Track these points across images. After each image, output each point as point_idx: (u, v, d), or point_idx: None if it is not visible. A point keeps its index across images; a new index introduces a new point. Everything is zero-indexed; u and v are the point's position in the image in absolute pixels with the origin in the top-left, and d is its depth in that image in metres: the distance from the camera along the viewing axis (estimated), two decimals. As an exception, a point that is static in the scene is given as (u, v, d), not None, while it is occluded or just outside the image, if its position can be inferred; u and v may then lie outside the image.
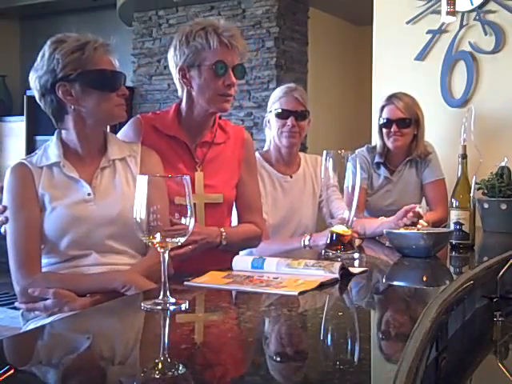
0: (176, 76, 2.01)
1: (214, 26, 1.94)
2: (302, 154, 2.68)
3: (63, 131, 1.77)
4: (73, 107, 1.71)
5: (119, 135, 1.99)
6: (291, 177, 2.58)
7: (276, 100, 2.53)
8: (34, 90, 1.74)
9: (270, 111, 2.55)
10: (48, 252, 1.72)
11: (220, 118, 2.14)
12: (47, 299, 1.64)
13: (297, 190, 2.57)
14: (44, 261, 1.71)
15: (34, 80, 1.73)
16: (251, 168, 2.18)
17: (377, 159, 2.93)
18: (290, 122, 2.47)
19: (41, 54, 1.73)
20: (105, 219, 1.71)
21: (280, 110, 2.50)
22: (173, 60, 2.00)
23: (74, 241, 1.69)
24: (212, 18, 2.06)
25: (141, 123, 2.00)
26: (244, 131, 2.21)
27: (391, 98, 2.86)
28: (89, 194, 1.72)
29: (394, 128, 2.80)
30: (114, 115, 1.74)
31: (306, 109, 2.52)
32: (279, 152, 2.57)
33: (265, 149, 2.64)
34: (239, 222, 2.16)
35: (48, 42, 1.73)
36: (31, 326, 1.69)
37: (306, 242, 2.23)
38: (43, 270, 1.70)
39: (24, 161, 1.75)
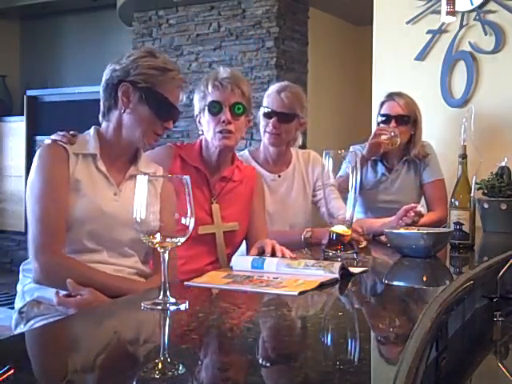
0: (197, 123, 2.23)
1: (215, 74, 2.15)
2: (294, 150, 2.64)
3: (103, 124, 1.82)
4: (123, 109, 1.77)
5: (148, 153, 2.09)
6: (280, 176, 2.56)
7: (266, 98, 2.53)
8: (103, 78, 1.80)
9: (261, 108, 2.55)
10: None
11: (237, 158, 2.28)
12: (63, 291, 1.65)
13: (284, 189, 2.54)
14: None
15: (109, 69, 1.79)
16: (260, 199, 2.30)
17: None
18: (271, 123, 2.46)
19: (130, 53, 1.81)
20: (127, 220, 1.72)
21: (265, 110, 2.50)
22: (195, 110, 2.22)
23: (92, 231, 1.71)
24: (218, 68, 2.20)
25: (172, 151, 2.17)
26: (254, 169, 2.36)
27: (392, 95, 2.86)
28: (115, 194, 1.76)
29: (392, 124, 2.79)
30: (144, 137, 1.78)
31: (294, 112, 2.47)
32: (268, 151, 2.55)
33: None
34: (248, 248, 2.21)
35: (143, 48, 1.85)
36: (36, 325, 1.68)
37: (307, 235, 2.23)
38: None
39: (61, 143, 1.76)
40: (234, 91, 2.10)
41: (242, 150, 2.70)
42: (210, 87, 2.12)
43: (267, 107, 2.49)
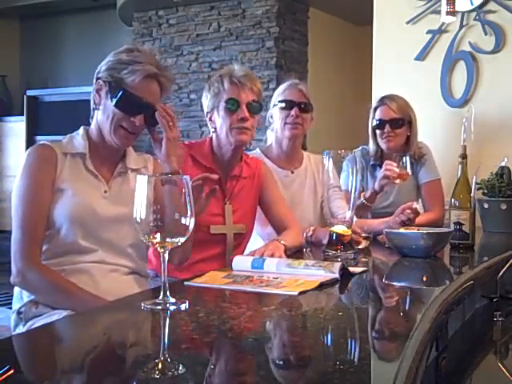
0: (207, 120, 2.23)
1: (230, 71, 2.16)
2: (305, 153, 2.69)
3: (91, 124, 1.82)
4: (96, 106, 1.78)
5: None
6: (292, 172, 2.58)
7: (280, 93, 2.56)
8: None
9: (275, 105, 2.57)
10: (54, 239, 1.72)
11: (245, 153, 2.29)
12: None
13: (297, 186, 2.57)
14: (45, 247, 1.71)
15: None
16: (272, 187, 2.30)
17: (372, 161, 2.92)
18: (293, 112, 2.49)
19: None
20: (118, 216, 1.74)
21: (284, 102, 2.52)
22: (204, 107, 2.23)
23: (84, 230, 1.71)
24: (230, 65, 2.21)
25: (182, 151, 2.12)
26: (260, 160, 2.38)
27: (383, 99, 2.85)
28: (105, 192, 1.77)
29: (387, 128, 2.79)
30: (112, 134, 1.75)
31: (310, 103, 2.55)
32: (280, 147, 2.57)
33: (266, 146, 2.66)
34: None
35: (125, 45, 1.81)
36: (35, 325, 1.68)
37: (309, 234, 2.23)
38: (45, 261, 1.71)
39: (49, 143, 1.77)
40: (252, 89, 2.13)
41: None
42: (226, 84, 2.12)
43: (285, 100, 2.52)
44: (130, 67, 1.72)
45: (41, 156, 1.74)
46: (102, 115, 1.76)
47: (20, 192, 1.72)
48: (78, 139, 1.80)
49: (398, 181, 2.61)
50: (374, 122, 2.84)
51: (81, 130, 1.83)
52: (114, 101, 1.72)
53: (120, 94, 1.72)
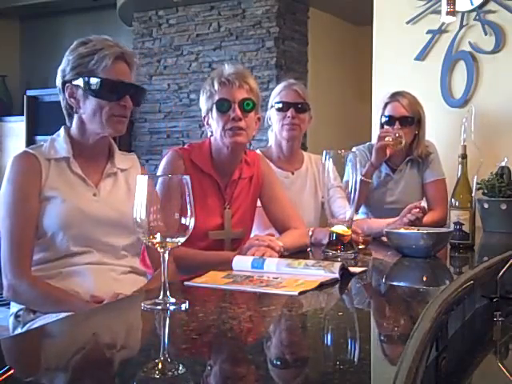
0: (205, 124, 2.17)
1: (219, 71, 2.09)
2: (306, 154, 2.69)
3: (71, 126, 1.79)
4: (76, 110, 1.74)
5: (159, 172, 2.08)
6: (293, 173, 2.58)
7: (276, 95, 2.56)
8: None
9: (272, 106, 2.57)
10: (47, 247, 1.70)
11: (245, 153, 2.22)
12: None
13: (297, 187, 2.57)
14: (39, 255, 1.70)
15: (57, 75, 1.76)
16: (271, 184, 2.25)
17: None
18: (290, 113, 2.48)
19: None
20: (110, 218, 1.73)
21: (280, 103, 2.52)
22: (202, 112, 2.16)
23: (77, 235, 1.69)
24: (222, 66, 2.14)
25: (181, 157, 2.10)
26: (259, 155, 2.32)
27: (395, 96, 2.84)
28: (94, 195, 1.74)
29: (396, 125, 2.79)
30: (107, 125, 1.72)
31: (306, 102, 2.53)
32: (280, 148, 2.57)
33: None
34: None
35: (75, 41, 1.76)
36: (34, 326, 1.68)
37: (309, 234, 2.23)
38: (41, 265, 1.70)
39: (31, 150, 1.73)
40: (241, 87, 2.05)
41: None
42: (216, 85, 2.05)
43: (281, 101, 2.52)
44: (96, 56, 1.68)
45: (24, 166, 1.70)
46: (88, 114, 1.72)
47: (6, 204, 1.69)
48: (60, 142, 1.76)
49: (393, 145, 2.71)
50: (383, 119, 2.84)
51: (61, 132, 1.78)
52: (96, 92, 1.68)
53: (99, 83, 1.67)
